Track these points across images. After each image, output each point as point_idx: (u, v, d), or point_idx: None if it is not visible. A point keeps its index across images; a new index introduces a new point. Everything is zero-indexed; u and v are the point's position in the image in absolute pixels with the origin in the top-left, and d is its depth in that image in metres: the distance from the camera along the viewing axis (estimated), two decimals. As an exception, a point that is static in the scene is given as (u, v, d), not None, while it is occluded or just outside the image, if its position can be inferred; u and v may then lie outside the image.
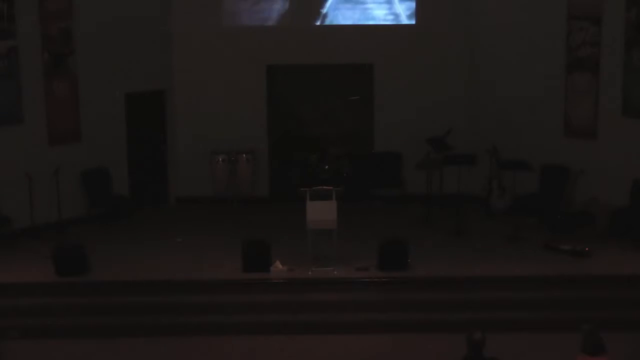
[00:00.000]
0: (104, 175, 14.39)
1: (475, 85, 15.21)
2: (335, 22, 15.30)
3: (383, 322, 10.91)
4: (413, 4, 15.24)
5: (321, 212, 11.42)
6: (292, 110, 15.74)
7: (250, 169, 15.28)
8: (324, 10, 15.28)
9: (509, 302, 11.05)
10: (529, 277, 11.41)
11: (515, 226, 12.84)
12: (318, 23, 15.31)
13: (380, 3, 15.30)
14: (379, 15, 15.32)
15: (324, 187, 11.76)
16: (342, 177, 14.76)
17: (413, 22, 15.34)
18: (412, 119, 15.19)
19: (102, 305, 11.16)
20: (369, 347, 10.41)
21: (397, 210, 14.76)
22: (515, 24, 14.52)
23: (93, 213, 14.13)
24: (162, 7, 15.16)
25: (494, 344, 7.87)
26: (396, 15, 15.33)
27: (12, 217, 12.96)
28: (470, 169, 14.13)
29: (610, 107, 13.30)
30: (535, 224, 13.35)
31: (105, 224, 13.97)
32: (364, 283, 11.38)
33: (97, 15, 14.16)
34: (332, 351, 10.36)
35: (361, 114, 15.63)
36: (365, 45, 15.26)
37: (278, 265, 11.65)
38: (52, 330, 10.79)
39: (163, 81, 15.27)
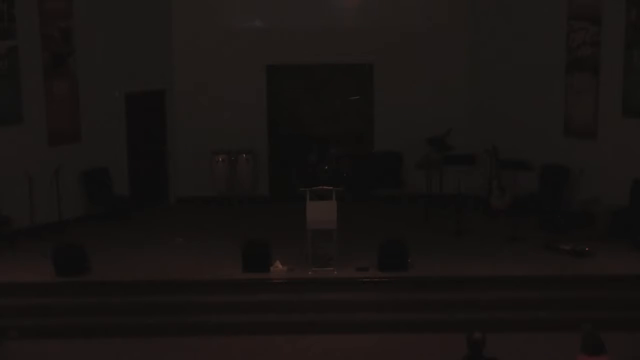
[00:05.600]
0: (104, 175, 14.39)
1: (475, 85, 15.21)
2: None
3: (383, 322, 10.91)
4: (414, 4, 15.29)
5: (321, 212, 11.42)
6: (292, 110, 15.75)
7: (250, 169, 15.28)
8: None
9: (509, 302, 11.05)
10: (529, 277, 11.41)
11: (515, 226, 12.84)
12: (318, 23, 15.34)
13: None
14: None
15: (324, 187, 11.76)
16: (342, 177, 14.75)
17: (413, 22, 15.34)
18: (412, 119, 15.19)
19: (102, 305, 11.15)
20: (369, 347, 10.42)
21: (397, 210, 14.76)
22: (515, 24, 14.51)
23: (93, 213, 14.13)
24: (162, 8, 15.16)
25: (494, 344, 7.87)
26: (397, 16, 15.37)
27: (12, 217, 12.96)
28: (470, 169, 14.13)
29: (610, 107, 13.30)
30: (535, 224, 13.35)
31: (105, 224, 13.97)
32: (364, 283, 11.37)
33: (97, 15, 14.16)
34: (332, 351, 10.36)
35: (361, 114, 15.64)
36: (365, 45, 15.26)
37: (278, 265, 11.65)
38: (52, 330, 10.78)
39: (163, 81, 15.27)
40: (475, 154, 14.06)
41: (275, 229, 13.28)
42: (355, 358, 10.27)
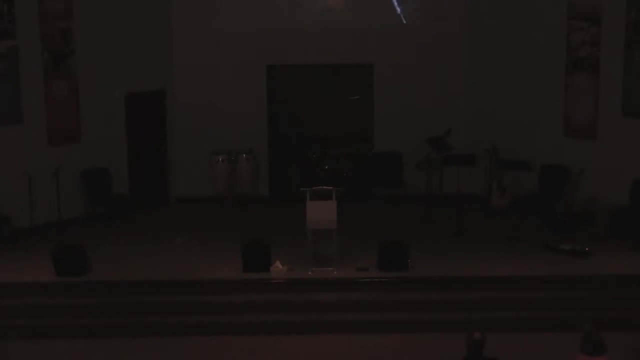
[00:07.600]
0: (104, 175, 14.39)
1: (475, 86, 15.21)
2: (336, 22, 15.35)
3: (383, 322, 10.91)
4: (413, 4, 15.29)
5: (321, 212, 11.42)
6: (292, 110, 15.75)
7: (250, 169, 15.27)
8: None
9: (509, 302, 11.05)
10: (529, 277, 11.41)
11: (515, 226, 12.84)
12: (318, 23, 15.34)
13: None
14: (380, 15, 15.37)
15: (324, 187, 11.76)
16: (342, 177, 14.75)
17: (413, 22, 15.34)
18: (412, 119, 15.18)
19: (102, 305, 11.16)
20: (369, 347, 10.42)
21: (397, 210, 14.76)
22: (515, 24, 14.52)
23: (93, 213, 14.13)
24: (162, 7, 15.16)
25: (494, 344, 7.87)
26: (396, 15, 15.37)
27: (12, 217, 12.96)
28: (470, 169, 14.13)
29: (610, 107, 13.31)
30: (535, 224, 13.35)
31: (105, 224, 13.97)
32: (364, 283, 11.38)
33: (97, 15, 14.16)
34: (332, 351, 10.36)
35: (361, 114, 15.64)
36: (365, 45, 15.26)
37: (278, 265, 11.65)
38: (52, 330, 10.79)
39: (163, 81, 15.27)
40: (475, 154, 14.06)
41: (275, 229, 13.28)
42: (356, 358, 10.28)
